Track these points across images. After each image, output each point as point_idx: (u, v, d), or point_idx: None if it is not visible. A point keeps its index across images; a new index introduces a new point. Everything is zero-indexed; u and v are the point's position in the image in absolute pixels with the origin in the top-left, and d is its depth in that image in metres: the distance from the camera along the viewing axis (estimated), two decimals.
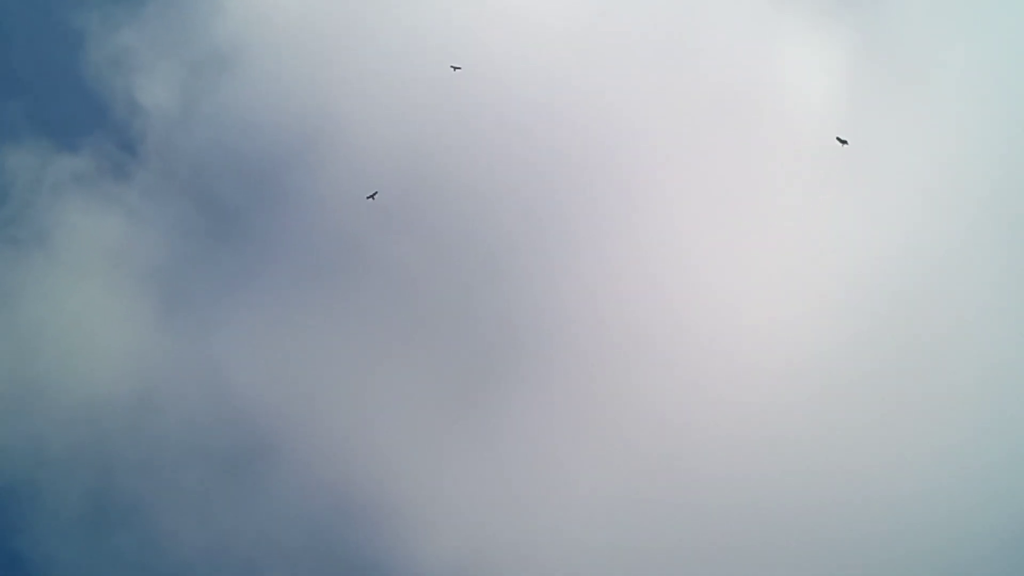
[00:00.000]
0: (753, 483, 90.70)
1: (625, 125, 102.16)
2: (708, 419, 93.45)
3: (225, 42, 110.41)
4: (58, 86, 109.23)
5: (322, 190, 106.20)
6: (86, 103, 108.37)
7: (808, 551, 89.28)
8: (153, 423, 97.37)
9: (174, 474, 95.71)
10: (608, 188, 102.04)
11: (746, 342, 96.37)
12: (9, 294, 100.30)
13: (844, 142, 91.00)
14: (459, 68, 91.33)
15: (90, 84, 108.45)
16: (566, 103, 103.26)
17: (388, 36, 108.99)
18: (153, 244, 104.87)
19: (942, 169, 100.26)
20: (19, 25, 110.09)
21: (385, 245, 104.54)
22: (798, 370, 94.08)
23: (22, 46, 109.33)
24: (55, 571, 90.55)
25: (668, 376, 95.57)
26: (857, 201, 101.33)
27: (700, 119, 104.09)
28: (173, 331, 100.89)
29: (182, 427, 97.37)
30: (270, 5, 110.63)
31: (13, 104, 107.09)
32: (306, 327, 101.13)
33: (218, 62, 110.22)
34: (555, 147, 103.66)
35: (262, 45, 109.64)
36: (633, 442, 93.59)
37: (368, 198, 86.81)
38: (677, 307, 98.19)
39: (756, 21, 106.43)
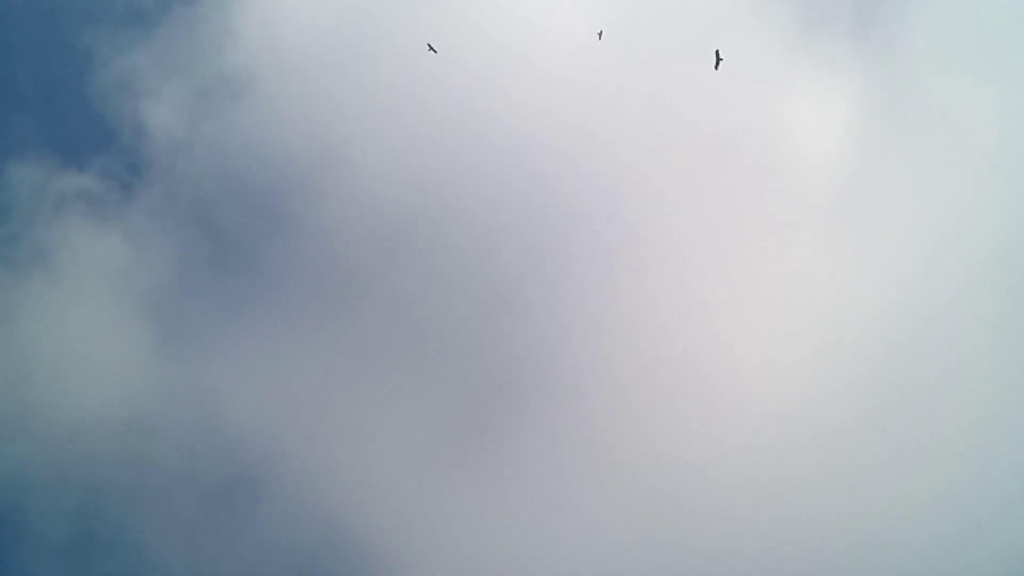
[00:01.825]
0: (753, 523, 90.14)
1: (633, 164, 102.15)
2: (710, 458, 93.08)
3: (235, 69, 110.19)
4: (65, 104, 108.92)
5: (325, 220, 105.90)
6: (92, 123, 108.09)
7: None
8: (144, 448, 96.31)
9: (163, 501, 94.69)
10: (614, 225, 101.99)
11: (748, 382, 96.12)
12: (6, 311, 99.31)
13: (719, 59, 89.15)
14: (434, 50, 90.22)
15: (97, 104, 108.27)
16: (575, 140, 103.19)
17: (396, 69, 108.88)
18: (153, 268, 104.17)
19: (948, 217, 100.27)
20: (29, 41, 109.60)
21: (387, 275, 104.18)
22: (798, 412, 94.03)
23: (31, 62, 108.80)
24: None
25: (671, 414, 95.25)
26: (863, 247, 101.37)
27: (709, 161, 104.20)
28: (169, 356, 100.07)
29: (173, 453, 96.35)
30: (281, 35, 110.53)
31: (19, 118, 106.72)
32: (304, 356, 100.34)
33: (226, 88, 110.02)
34: (562, 184, 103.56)
35: (271, 74, 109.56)
36: (634, 479, 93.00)
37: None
38: (681, 346, 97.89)
39: (768, 66, 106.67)
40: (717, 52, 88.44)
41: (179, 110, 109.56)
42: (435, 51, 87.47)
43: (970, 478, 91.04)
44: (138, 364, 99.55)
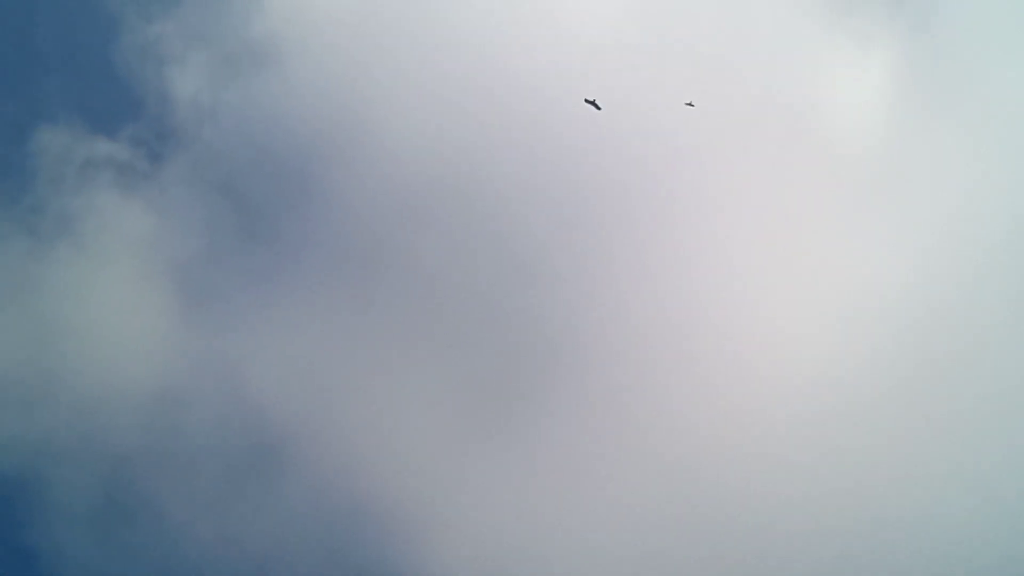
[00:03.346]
0: (773, 497, 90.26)
1: (665, 136, 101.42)
2: (732, 431, 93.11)
3: (260, 37, 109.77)
4: (91, 71, 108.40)
5: (350, 190, 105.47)
6: (118, 90, 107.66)
7: (822, 563, 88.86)
8: (169, 418, 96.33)
9: (188, 471, 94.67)
10: (642, 195, 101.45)
11: (772, 353, 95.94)
12: (31, 280, 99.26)
13: (595, 105, 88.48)
14: (598, 107, 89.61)
15: (123, 72, 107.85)
16: (605, 110, 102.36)
17: (422, 38, 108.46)
18: (179, 237, 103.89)
19: (979, 193, 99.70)
20: (56, 7, 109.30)
21: (412, 246, 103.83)
22: (820, 383, 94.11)
23: (57, 29, 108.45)
24: (64, 565, 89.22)
25: (697, 384, 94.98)
26: (895, 222, 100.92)
27: (742, 134, 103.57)
28: (194, 326, 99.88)
29: (198, 424, 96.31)
30: (306, 2, 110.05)
31: (45, 84, 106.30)
32: (329, 327, 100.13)
33: (252, 57, 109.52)
34: (589, 152, 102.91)
35: (297, 42, 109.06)
36: (656, 452, 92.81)
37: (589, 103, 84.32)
38: (708, 316, 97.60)
39: (803, 40, 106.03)
40: (594, 101, 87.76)
41: (205, 78, 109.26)
42: (599, 107, 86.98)
43: (988, 456, 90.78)
44: (163, 334, 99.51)
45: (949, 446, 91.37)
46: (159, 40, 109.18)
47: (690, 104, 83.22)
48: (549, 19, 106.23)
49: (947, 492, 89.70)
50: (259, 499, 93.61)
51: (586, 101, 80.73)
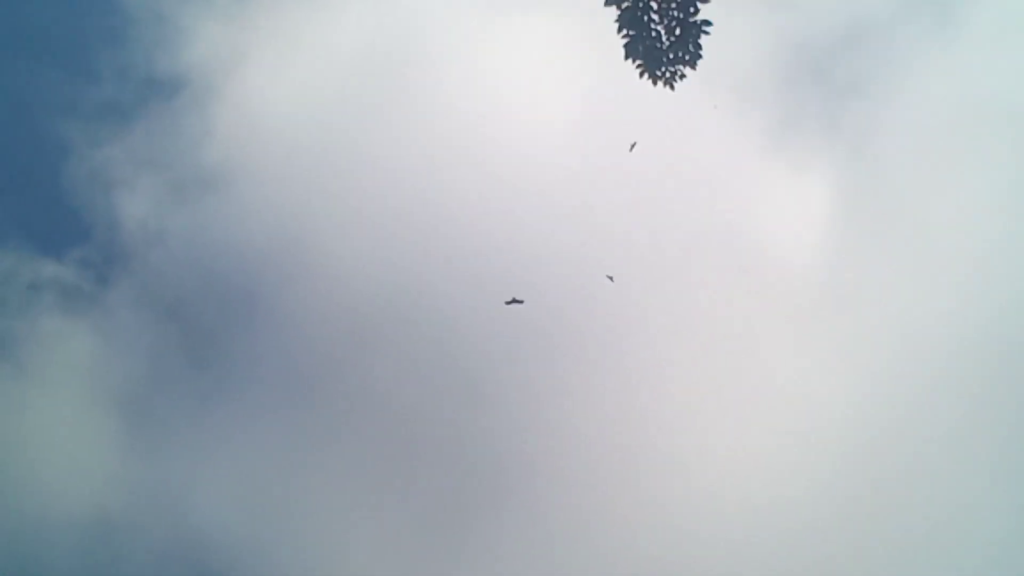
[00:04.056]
0: None
1: (607, 263, 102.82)
2: (688, 549, 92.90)
3: (210, 163, 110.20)
4: (38, 194, 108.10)
5: (299, 315, 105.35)
6: (65, 214, 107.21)
7: None
8: (111, 546, 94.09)
9: None
10: (590, 322, 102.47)
11: (724, 475, 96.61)
12: None
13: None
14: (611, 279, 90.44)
15: (71, 195, 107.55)
16: (549, 240, 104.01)
17: (372, 165, 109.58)
18: (123, 361, 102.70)
19: (920, 313, 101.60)
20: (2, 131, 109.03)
21: (361, 370, 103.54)
22: (772, 504, 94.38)
23: (4, 152, 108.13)
24: None
25: (650, 506, 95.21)
26: (835, 343, 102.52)
27: (682, 260, 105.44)
28: (137, 452, 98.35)
29: (141, 551, 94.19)
30: (258, 131, 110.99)
31: None
32: (276, 453, 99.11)
33: (202, 182, 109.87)
34: (538, 281, 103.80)
35: (246, 168, 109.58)
36: (615, 568, 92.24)
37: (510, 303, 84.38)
38: (658, 439, 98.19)
39: (739, 166, 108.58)
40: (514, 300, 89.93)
41: (154, 202, 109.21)
42: (611, 279, 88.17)
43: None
44: (105, 459, 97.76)
45: (902, 564, 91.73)
46: (107, 164, 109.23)
47: (610, 278, 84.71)
48: (493, 147, 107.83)
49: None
50: None
51: (507, 303, 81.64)
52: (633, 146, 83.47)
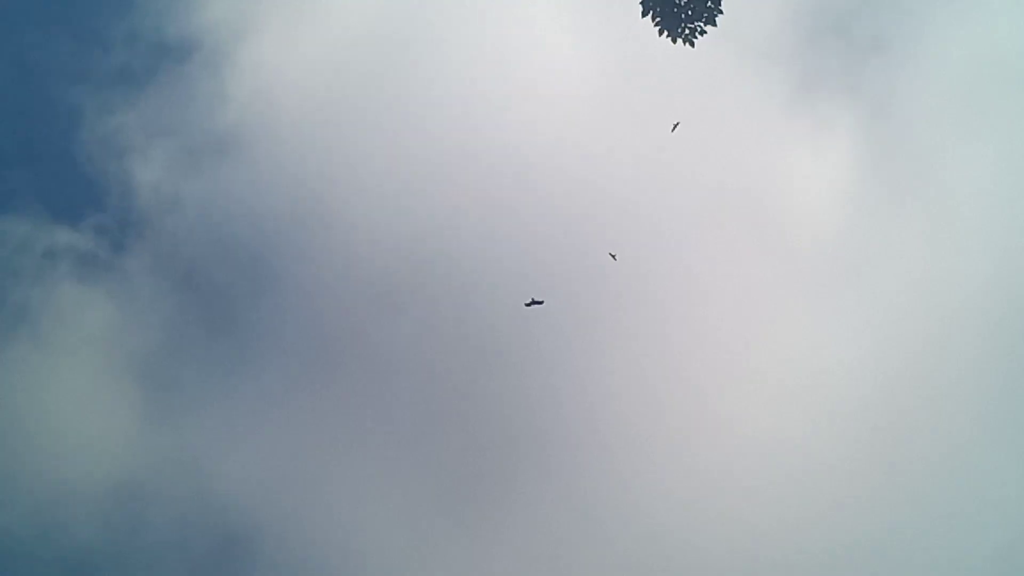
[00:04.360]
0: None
1: (625, 226, 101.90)
2: (702, 530, 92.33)
3: (224, 128, 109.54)
4: (53, 162, 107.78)
5: (316, 280, 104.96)
6: (79, 181, 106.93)
7: None
8: (130, 514, 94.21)
9: (151, 568, 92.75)
10: (606, 288, 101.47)
11: (740, 453, 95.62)
12: None
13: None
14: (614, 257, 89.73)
15: (85, 162, 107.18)
16: (567, 200, 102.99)
17: (388, 126, 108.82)
18: (140, 328, 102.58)
19: (944, 278, 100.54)
20: (16, 99, 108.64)
21: (379, 335, 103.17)
22: (791, 483, 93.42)
23: (18, 120, 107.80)
24: None
25: (664, 485, 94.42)
26: (855, 309, 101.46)
27: (703, 223, 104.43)
28: (156, 419, 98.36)
29: (161, 519, 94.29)
30: (272, 95, 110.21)
31: (7, 175, 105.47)
32: (294, 419, 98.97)
33: (216, 147, 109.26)
34: (555, 246, 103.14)
35: (261, 132, 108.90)
36: (629, 554, 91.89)
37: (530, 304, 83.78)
38: (674, 414, 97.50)
39: (763, 127, 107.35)
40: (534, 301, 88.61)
41: (168, 169, 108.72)
42: (614, 257, 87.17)
43: (970, 554, 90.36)
44: (124, 427, 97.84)
45: (926, 544, 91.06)
46: (121, 131, 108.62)
47: (612, 256, 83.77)
48: (516, 106, 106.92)
49: (913, 554, 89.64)
50: None
51: (527, 305, 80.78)
52: (676, 126, 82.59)
